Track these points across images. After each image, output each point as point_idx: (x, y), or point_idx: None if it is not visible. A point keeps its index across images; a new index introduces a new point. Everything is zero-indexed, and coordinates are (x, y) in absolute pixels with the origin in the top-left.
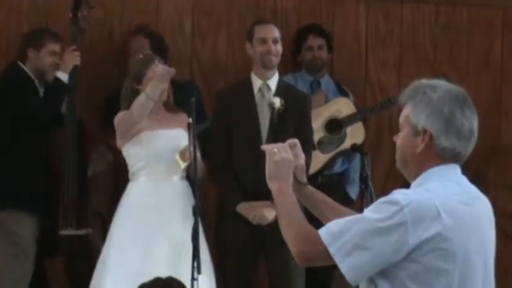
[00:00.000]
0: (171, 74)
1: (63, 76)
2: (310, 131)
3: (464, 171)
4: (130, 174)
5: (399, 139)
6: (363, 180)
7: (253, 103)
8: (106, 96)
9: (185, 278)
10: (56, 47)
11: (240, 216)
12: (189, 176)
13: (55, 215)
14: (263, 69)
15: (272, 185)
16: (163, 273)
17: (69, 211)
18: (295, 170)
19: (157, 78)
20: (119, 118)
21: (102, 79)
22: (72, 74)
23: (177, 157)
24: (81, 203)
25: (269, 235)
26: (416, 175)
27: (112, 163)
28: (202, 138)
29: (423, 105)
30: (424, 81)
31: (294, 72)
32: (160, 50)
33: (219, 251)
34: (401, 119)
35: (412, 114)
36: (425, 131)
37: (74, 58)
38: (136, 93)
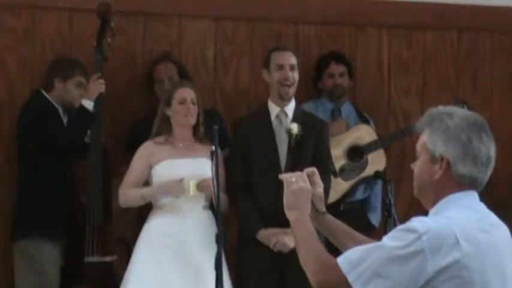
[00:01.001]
0: (179, 194)
1: (88, 104)
2: (329, 157)
3: (487, 199)
4: (153, 201)
5: (417, 166)
6: (386, 207)
7: (271, 130)
8: (130, 126)
9: None
10: (83, 80)
11: (259, 243)
12: (212, 206)
13: (80, 242)
14: (279, 100)
15: (290, 215)
16: None
17: (94, 238)
18: (313, 198)
19: (164, 191)
20: (120, 189)
21: (124, 106)
22: (97, 102)
23: (193, 182)
24: (106, 229)
25: (289, 262)
26: (434, 202)
27: None
28: (225, 164)
29: (440, 132)
30: (441, 108)
31: (315, 99)
32: (186, 78)
33: (238, 277)
34: (418, 146)
35: (429, 142)
36: (442, 158)
37: (99, 86)
38: (164, 119)
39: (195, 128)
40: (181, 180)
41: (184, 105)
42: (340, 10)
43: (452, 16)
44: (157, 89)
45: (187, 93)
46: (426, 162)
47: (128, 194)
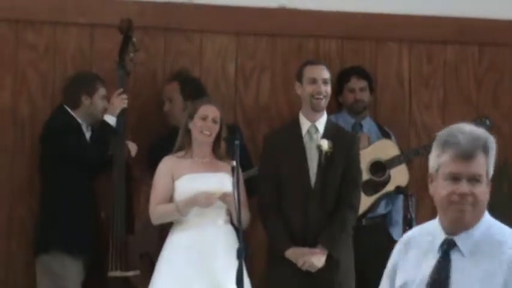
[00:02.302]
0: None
1: (111, 119)
2: (359, 172)
3: None
4: (186, 212)
5: (483, 193)
6: (407, 222)
7: (301, 145)
8: (151, 142)
9: None
10: (105, 91)
11: (288, 262)
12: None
13: (103, 257)
14: (311, 111)
15: None
16: None
17: (117, 253)
18: None
19: (197, 203)
20: (150, 208)
21: (145, 121)
22: (119, 118)
23: (218, 192)
24: (129, 244)
25: (316, 282)
26: (476, 222)
27: None
28: (249, 185)
29: (492, 157)
30: (485, 132)
31: (336, 113)
32: (192, 95)
33: None
34: (481, 170)
35: (489, 167)
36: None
37: (121, 101)
38: (186, 132)
39: (215, 145)
40: (208, 193)
41: (204, 122)
42: (361, 24)
43: (473, 30)
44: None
45: (210, 111)
46: (487, 186)
47: (161, 210)
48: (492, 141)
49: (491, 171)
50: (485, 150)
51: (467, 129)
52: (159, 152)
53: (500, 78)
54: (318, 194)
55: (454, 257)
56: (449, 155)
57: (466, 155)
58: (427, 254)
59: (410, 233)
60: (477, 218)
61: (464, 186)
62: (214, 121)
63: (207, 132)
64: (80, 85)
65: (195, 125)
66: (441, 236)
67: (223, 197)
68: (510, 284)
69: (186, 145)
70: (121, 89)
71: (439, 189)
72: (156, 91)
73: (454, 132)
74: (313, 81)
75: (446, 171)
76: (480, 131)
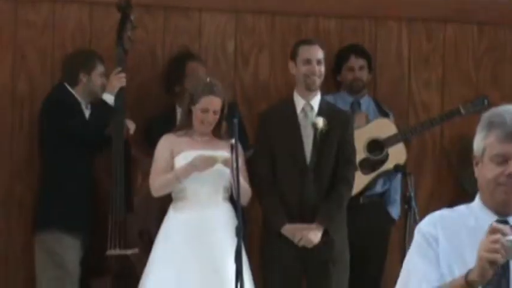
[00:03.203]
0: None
1: (110, 98)
2: (353, 150)
3: None
4: (173, 193)
5: None
6: (406, 200)
7: (296, 123)
8: (148, 119)
9: None
10: (103, 69)
11: (284, 238)
12: (232, 198)
13: (101, 235)
14: (306, 90)
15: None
16: None
17: (116, 231)
18: None
19: (195, 167)
20: (150, 180)
21: (144, 99)
22: (118, 96)
23: (220, 157)
24: (128, 222)
25: (312, 257)
26: None
27: None
28: (247, 165)
29: None
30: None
31: (334, 92)
32: None
33: (264, 272)
34: None
35: None
36: None
37: (119, 80)
38: (188, 113)
39: (216, 125)
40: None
41: (205, 114)
42: (360, 3)
43: (473, 9)
44: (187, 84)
45: (212, 103)
46: None
47: (161, 180)
48: None
49: None
50: None
51: None
52: (158, 131)
53: (500, 58)
54: (313, 171)
55: None
56: (496, 135)
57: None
58: (475, 234)
59: (431, 218)
60: None
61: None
62: (214, 113)
63: (207, 124)
64: (78, 63)
65: (196, 115)
66: (489, 218)
67: (226, 162)
68: None
69: (188, 125)
70: (119, 68)
71: (485, 171)
72: (155, 69)
73: (500, 112)
74: (308, 61)
75: (493, 153)
76: None
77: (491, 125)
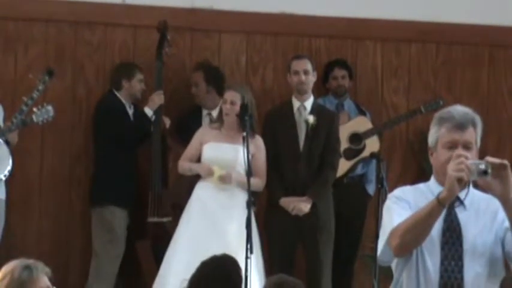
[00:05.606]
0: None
1: (149, 112)
2: (337, 141)
3: None
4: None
5: (473, 158)
6: (380, 181)
7: (293, 120)
8: (178, 116)
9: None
10: (141, 76)
11: (282, 210)
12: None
13: (143, 207)
14: (298, 94)
15: None
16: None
17: (155, 203)
18: None
19: (199, 172)
20: (179, 161)
21: (176, 101)
22: (157, 111)
23: (217, 174)
24: (163, 197)
25: (305, 223)
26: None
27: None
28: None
29: (480, 132)
30: (473, 111)
31: (323, 96)
32: (214, 82)
33: (266, 235)
34: (471, 139)
35: (477, 139)
36: None
37: (159, 97)
38: (220, 111)
39: (240, 121)
40: (210, 168)
41: (225, 105)
42: (344, 27)
43: (432, 32)
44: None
45: (229, 95)
46: (476, 154)
47: (182, 166)
48: (479, 119)
49: (479, 143)
50: (474, 124)
51: (459, 108)
52: (186, 125)
53: (453, 70)
54: (305, 157)
55: (458, 209)
56: (446, 127)
57: (460, 126)
58: None
59: (400, 189)
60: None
61: (460, 150)
62: (232, 103)
63: (227, 112)
64: (121, 71)
65: (222, 109)
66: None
67: (222, 179)
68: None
69: (220, 120)
70: (161, 91)
71: (439, 157)
72: (184, 77)
73: (449, 110)
74: (296, 72)
75: (444, 141)
76: (468, 110)
77: (441, 120)
